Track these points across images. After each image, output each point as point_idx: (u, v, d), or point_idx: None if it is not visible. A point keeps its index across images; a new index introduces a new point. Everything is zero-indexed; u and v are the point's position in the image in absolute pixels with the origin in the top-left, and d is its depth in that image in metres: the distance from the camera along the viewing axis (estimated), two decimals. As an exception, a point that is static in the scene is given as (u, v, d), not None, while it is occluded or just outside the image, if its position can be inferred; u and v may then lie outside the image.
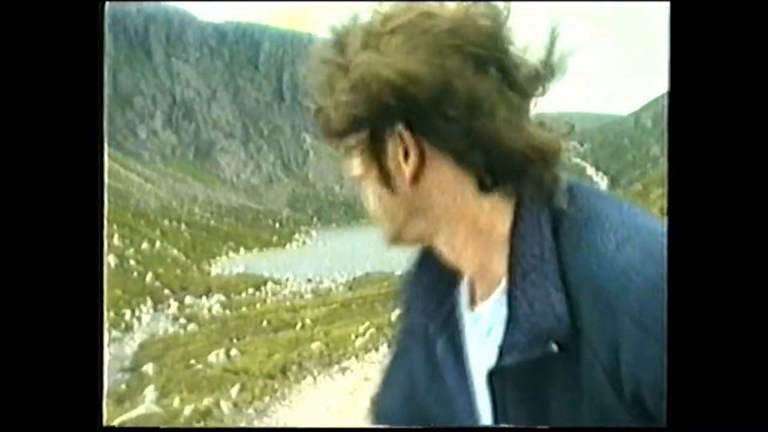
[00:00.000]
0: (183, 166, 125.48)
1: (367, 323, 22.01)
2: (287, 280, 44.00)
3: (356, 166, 0.93)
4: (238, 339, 24.79)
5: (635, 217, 0.87)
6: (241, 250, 69.72)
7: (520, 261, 0.87)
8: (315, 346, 19.94)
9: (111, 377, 18.63)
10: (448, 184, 0.90)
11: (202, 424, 13.86)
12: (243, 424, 13.91)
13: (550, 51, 0.89)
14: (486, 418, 0.94)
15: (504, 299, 0.88)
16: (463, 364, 0.96)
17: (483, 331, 0.93)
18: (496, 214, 0.90)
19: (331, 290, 39.27)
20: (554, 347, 0.84)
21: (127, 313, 30.58)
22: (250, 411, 14.78)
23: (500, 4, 0.89)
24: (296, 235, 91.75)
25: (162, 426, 12.53)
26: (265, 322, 27.71)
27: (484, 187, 0.89)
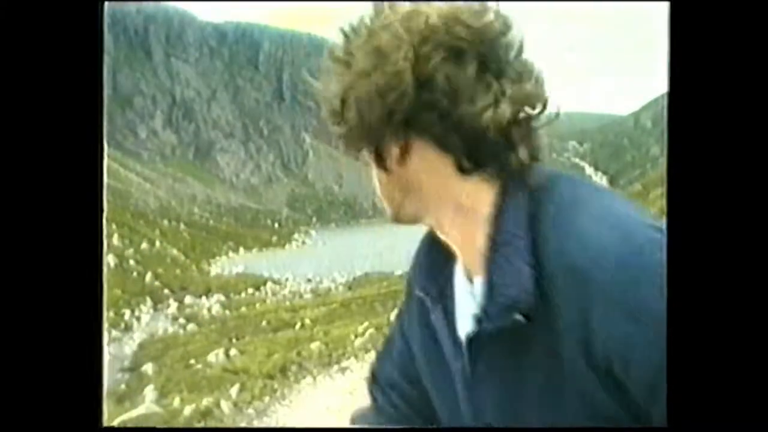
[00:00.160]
0: (183, 166, 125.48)
1: (366, 323, 22.00)
2: (287, 280, 44.01)
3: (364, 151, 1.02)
4: (238, 339, 24.76)
5: (613, 201, 0.93)
6: (241, 250, 69.75)
7: (496, 238, 0.94)
8: (314, 346, 19.92)
9: (111, 377, 18.62)
10: (431, 166, 0.97)
11: (202, 424, 13.84)
12: (243, 424, 13.89)
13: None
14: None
15: None
16: (455, 332, 1.02)
17: (475, 303, 0.99)
18: (479, 195, 0.96)
19: (331, 290, 39.28)
20: (521, 317, 0.89)
21: (127, 312, 30.56)
22: (250, 411, 14.76)
23: (491, 5, 0.94)
24: (296, 235, 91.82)
25: (162, 426, 12.52)
26: (264, 322, 27.68)
27: (464, 170, 0.95)
